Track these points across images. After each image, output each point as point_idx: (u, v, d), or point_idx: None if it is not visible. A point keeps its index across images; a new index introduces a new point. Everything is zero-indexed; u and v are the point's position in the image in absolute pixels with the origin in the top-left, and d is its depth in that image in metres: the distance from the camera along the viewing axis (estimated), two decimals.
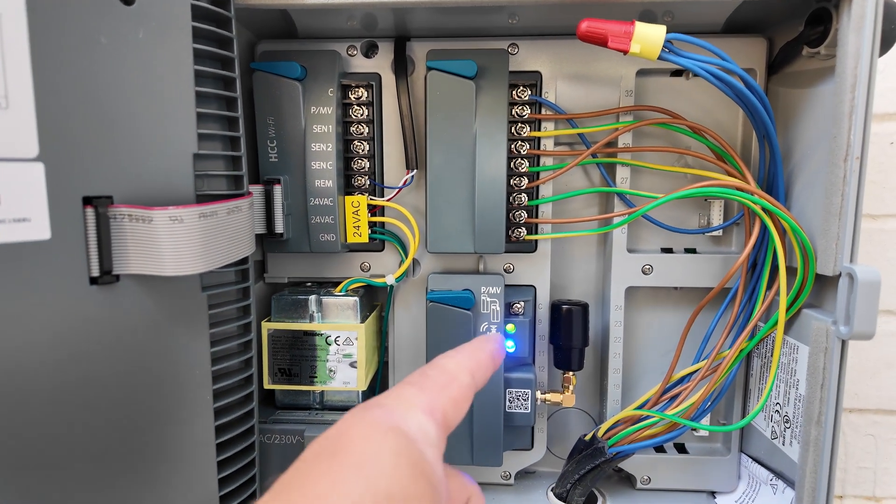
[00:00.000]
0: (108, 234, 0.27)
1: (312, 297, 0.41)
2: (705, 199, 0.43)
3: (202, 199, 0.30)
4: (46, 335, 0.25)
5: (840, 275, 0.33)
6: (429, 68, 0.38)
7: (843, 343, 0.33)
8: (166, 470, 0.30)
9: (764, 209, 0.36)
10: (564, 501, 0.43)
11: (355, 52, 0.41)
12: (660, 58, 0.33)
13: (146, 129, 0.28)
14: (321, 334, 0.41)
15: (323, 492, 0.16)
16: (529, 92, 0.40)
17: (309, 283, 0.44)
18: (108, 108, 0.26)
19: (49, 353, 0.25)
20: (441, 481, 0.19)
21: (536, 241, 0.43)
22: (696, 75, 0.41)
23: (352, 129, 0.41)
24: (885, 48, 0.34)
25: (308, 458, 0.18)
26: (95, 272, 0.27)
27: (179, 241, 0.27)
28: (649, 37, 0.32)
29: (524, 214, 0.42)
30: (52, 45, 0.24)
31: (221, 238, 0.30)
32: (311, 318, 0.41)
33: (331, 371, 0.41)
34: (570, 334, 0.42)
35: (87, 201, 0.26)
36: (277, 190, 0.38)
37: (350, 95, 0.41)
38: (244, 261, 0.34)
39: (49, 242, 0.25)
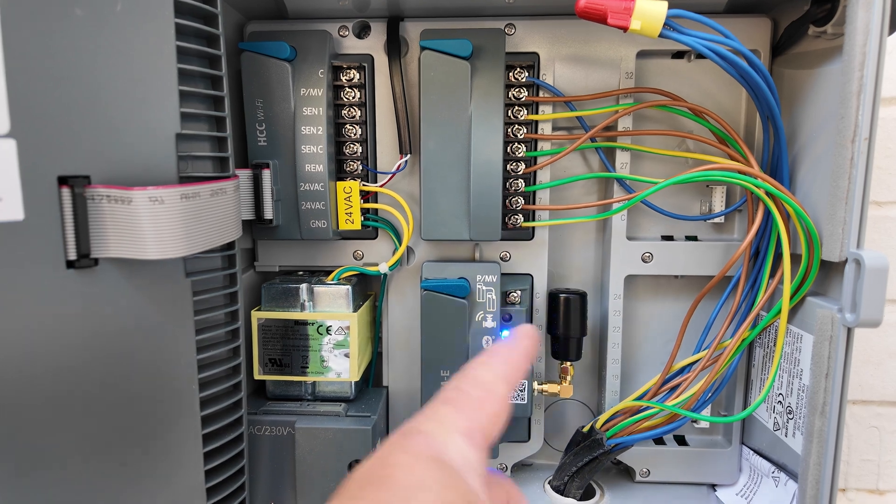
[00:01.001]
0: (86, 215, 0.26)
1: (304, 286, 0.40)
2: (707, 185, 0.42)
3: (186, 181, 0.29)
4: (21, 320, 0.24)
5: (846, 261, 0.32)
6: (422, 48, 0.36)
7: (849, 331, 0.32)
8: (150, 460, 0.29)
9: (767, 193, 0.35)
10: (562, 494, 0.42)
11: (347, 33, 0.40)
12: (661, 35, 0.31)
13: (125, 106, 0.27)
14: (313, 323, 0.40)
15: None
16: (527, 73, 0.39)
17: (301, 272, 0.43)
18: (83, 83, 0.25)
19: (24, 339, 0.24)
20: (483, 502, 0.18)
21: (534, 228, 0.41)
22: (698, 57, 0.40)
23: (343, 112, 0.40)
24: (894, 27, 0.33)
25: (352, 488, 0.18)
26: (72, 255, 0.25)
27: (160, 223, 0.26)
28: (650, 13, 0.31)
29: (521, 201, 0.41)
30: (22, 15, 0.23)
31: (205, 221, 0.29)
32: (303, 308, 0.40)
33: (323, 361, 0.40)
34: (567, 324, 0.41)
35: (63, 181, 0.25)
36: (266, 174, 0.37)
37: (342, 77, 0.39)
38: (231, 246, 0.33)
39: (23, 223, 0.24)
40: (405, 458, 0.18)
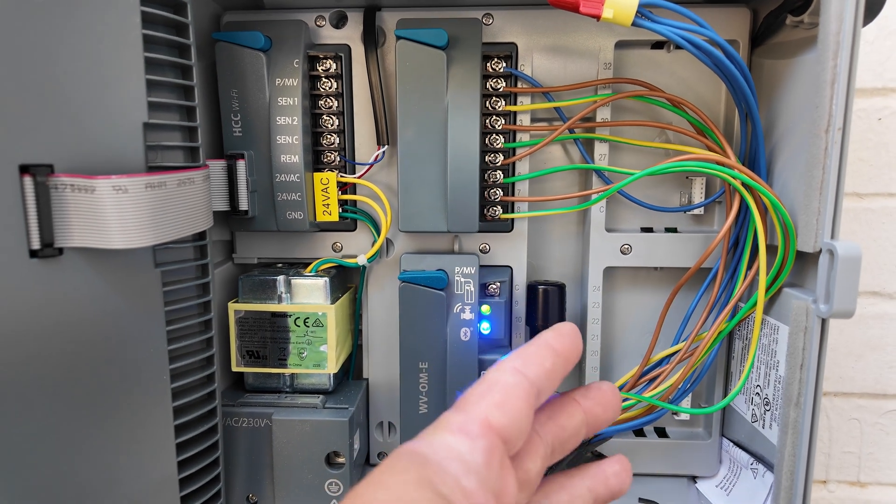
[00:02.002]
0: (49, 204, 0.25)
1: (281, 278, 0.40)
2: (686, 177, 0.41)
3: (155, 171, 0.29)
4: None
5: (821, 251, 0.32)
6: (398, 37, 0.36)
7: (824, 322, 0.32)
8: (120, 451, 0.29)
9: (744, 184, 0.35)
10: None
11: (324, 23, 0.40)
12: (634, 24, 0.31)
13: (90, 94, 0.27)
14: (290, 315, 0.40)
15: None
16: (504, 64, 0.39)
17: (279, 264, 0.43)
18: (45, 70, 0.25)
19: None
20: (472, 491, 0.19)
21: (513, 220, 0.41)
22: (677, 48, 0.40)
23: (320, 102, 0.40)
24: (870, 16, 0.33)
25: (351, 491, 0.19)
26: (36, 245, 0.25)
27: (125, 213, 0.26)
28: (623, 1, 0.31)
29: (500, 192, 0.40)
30: None
31: (172, 210, 0.28)
32: (280, 300, 0.40)
33: (301, 353, 0.40)
34: (546, 315, 0.41)
35: (25, 169, 0.25)
36: (241, 165, 0.37)
37: (318, 67, 0.39)
38: (202, 236, 0.33)
39: None
40: (387, 460, 0.19)
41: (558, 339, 0.24)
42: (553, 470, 0.40)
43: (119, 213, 0.26)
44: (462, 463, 0.19)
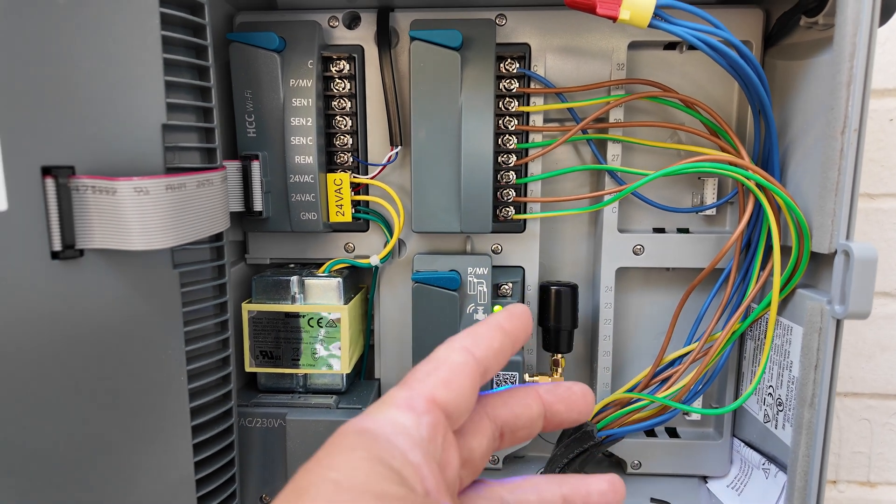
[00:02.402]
0: (70, 205, 0.26)
1: (294, 278, 0.40)
2: (699, 178, 0.42)
3: (173, 172, 0.29)
4: (4, 312, 0.24)
5: (836, 253, 0.32)
6: (412, 38, 0.36)
7: (838, 323, 0.32)
8: (138, 452, 0.29)
9: (758, 185, 0.35)
10: None
11: (337, 24, 0.40)
12: (650, 26, 0.31)
13: (110, 96, 0.27)
14: (304, 316, 0.40)
15: (295, 498, 0.17)
16: (518, 65, 0.39)
17: (292, 265, 0.43)
18: (66, 73, 0.25)
19: (7, 331, 0.24)
20: (419, 464, 0.19)
21: (525, 220, 0.41)
22: (690, 48, 0.40)
23: (333, 103, 0.40)
24: (885, 17, 0.33)
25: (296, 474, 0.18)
26: (57, 246, 0.25)
27: (146, 214, 0.26)
28: (640, 2, 0.31)
29: (512, 193, 0.40)
30: (3, 4, 0.23)
31: (192, 212, 0.28)
32: (293, 300, 0.40)
33: (314, 353, 0.40)
34: (558, 315, 0.41)
35: (47, 171, 0.25)
36: (255, 166, 0.37)
37: (331, 68, 0.39)
38: (219, 237, 0.33)
39: (6, 214, 0.24)
40: (333, 438, 0.19)
41: (509, 319, 0.24)
42: (556, 463, 0.40)
43: (140, 214, 0.26)
44: (408, 437, 0.19)
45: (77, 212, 0.26)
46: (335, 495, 0.17)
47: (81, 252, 0.26)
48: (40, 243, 0.25)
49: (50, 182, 0.25)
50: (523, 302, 0.42)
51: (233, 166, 0.37)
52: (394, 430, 0.19)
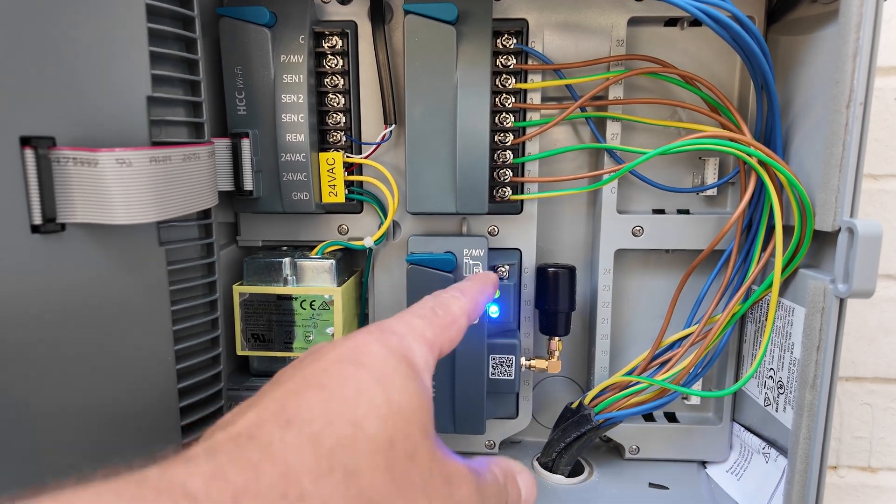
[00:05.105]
0: (51, 178, 0.25)
1: (286, 260, 0.39)
2: (700, 157, 0.41)
3: (159, 146, 0.28)
4: None
5: (839, 231, 0.31)
6: (406, 12, 0.35)
7: (842, 303, 0.32)
8: (123, 434, 0.29)
9: (760, 162, 0.34)
10: (549, 471, 0.41)
11: None
12: None
13: (91, 65, 0.26)
14: (296, 298, 0.39)
15: (350, 395, 0.18)
16: (515, 40, 0.38)
17: (284, 247, 0.42)
18: (46, 40, 0.24)
19: None
20: (431, 402, 0.22)
21: (522, 201, 0.41)
22: (691, 24, 0.39)
23: (326, 80, 0.39)
24: None
25: (331, 361, 0.20)
26: (37, 219, 0.25)
27: (129, 187, 0.25)
28: None
29: (509, 173, 0.40)
30: None
31: (177, 186, 0.28)
32: (286, 282, 0.39)
33: (307, 336, 0.39)
34: (556, 297, 0.40)
35: (26, 142, 0.24)
36: (245, 144, 0.36)
37: (324, 44, 0.38)
38: (207, 215, 0.32)
39: None
40: (380, 350, 0.21)
41: (494, 290, 0.33)
42: (553, 447, 0.40)
43: (123, 187, 0.25)
44: (429, 376, 0.23)
45: (58, 184, 0.25)
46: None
47: (63, 226, 0.25)
48: (20, 216, 0.24)
49: (29, 153, 0.24)
50: (520, 285, 0.41)
51: (222, 144, 0.36)
52: (426, 368, 0.22)
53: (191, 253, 0.32)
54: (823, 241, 0.34)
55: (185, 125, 0.31)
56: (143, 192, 0.26)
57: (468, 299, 0.28)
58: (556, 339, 0.41)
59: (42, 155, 0.24)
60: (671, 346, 0.39)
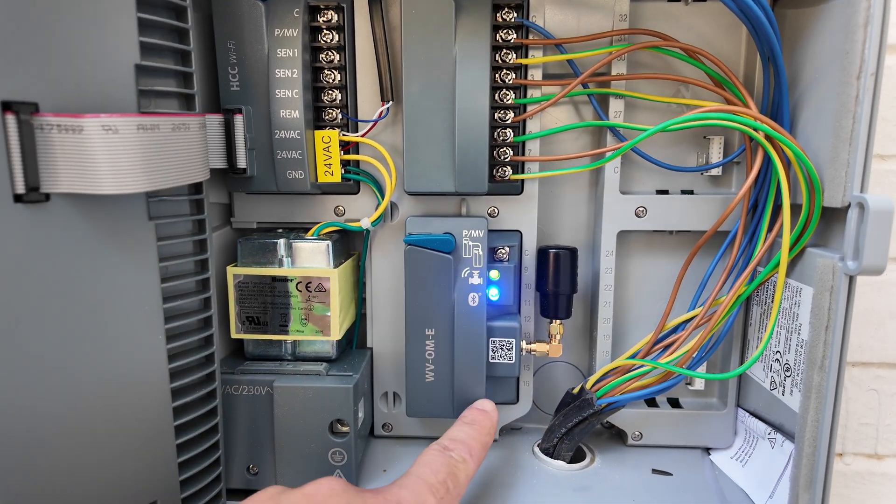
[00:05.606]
0: (34, 145, 0.24)
1: (281, 241, 0.38)
2: (704, 136, 0.40)
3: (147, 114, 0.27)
4: None
5: (849, 206, 0.31)
6: None
7: (851, 280, 0.31)
8: (113, 416, 0.28)
9: (767, 137, 0.33)
10: (551, 457, 0.41)
11: None
12: None
13: (76, 29, 0.25)
14: (292, 280, 0.38)
15: None
16: (515, 14, 0.37)
17: (279, 229, 0.42)
18: (27, 2, 0.23)
19: None
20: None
21: (523, 182, 0.40)
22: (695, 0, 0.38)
23: (321, 56, 0.38)
24: None
25: None
26: (20, 188, 0.24)
27: (116, 155, 0.25)
28: None
29: (510, 152, 0.39)
30: None
31: (166, 157, 0.27)
32: (281, 263, 0.38)
33: (303, 319, 0.38)
34: (557, 279, 0.39)
35: (7, 107, 0.23)
36: (238, 120, 0.35)
37: (319, 19, 0.37)
38: (198, 190, 0.31)
39: None
40: None
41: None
42: (554, 433, 0.39)
43: (109, 155, 0.24)
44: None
45: (41, 152, 0.24)
46: None
47: (47, 196, 0.25)
48: (2, 185, 0.23)
49: (10, 118, 0.23)
50: (521, 267, 0.41)
51: (215, 120, 0.35)
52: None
53: (182, 229, 0.31)
54: (831, 218, 0.33)
55: (176, 96, 0.30)
56: (131, 161, 0.25)
57: (475, 462, 0.31)
58: (557, 322, 0.40)
59: (24, 120, 0.23)
60: (675, 330, 0.39)
